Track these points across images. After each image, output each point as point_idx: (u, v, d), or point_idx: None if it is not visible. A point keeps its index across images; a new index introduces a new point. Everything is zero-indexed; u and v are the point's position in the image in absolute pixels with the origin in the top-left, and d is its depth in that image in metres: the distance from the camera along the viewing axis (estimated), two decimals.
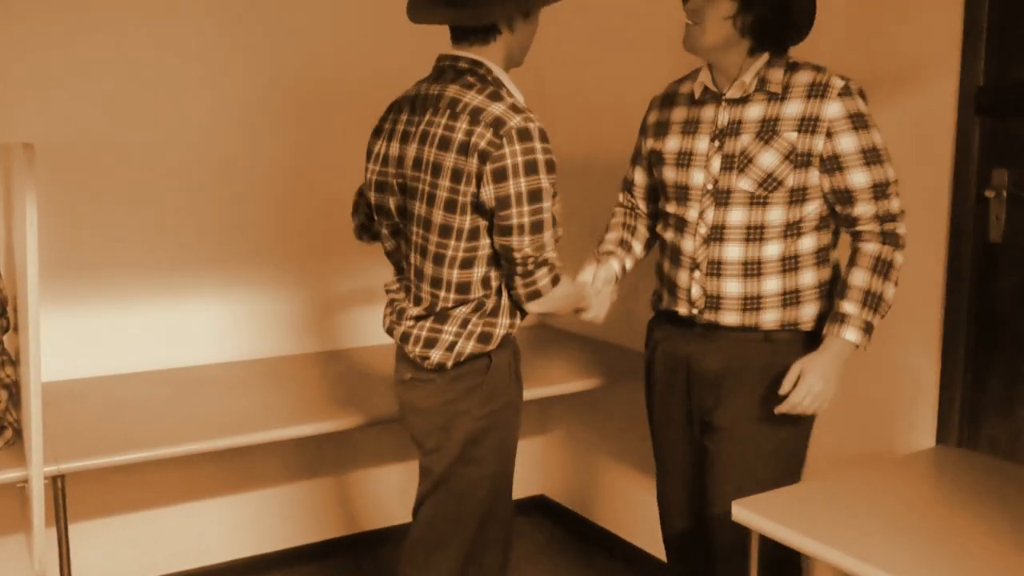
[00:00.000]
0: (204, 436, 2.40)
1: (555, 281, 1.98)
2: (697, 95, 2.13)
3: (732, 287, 2.09)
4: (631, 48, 3.18)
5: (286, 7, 3.09)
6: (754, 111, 2.04)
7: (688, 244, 2.13)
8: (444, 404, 2.05)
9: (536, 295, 1.97)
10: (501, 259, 1.97)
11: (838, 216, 2.07)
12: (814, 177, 2.02)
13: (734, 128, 2.06)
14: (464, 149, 1.87)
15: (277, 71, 3.09)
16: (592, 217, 3.41)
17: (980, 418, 2.25)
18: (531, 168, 1.85)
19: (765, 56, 2.04)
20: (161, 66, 2.91)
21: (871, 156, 1.99)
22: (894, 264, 2.02)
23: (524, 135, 1.84)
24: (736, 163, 2.05)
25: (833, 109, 1.98)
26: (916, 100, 2.26)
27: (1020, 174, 2.14)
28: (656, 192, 2.29)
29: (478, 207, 1.90)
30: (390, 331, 2.15)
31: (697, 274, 2.12)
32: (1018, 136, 2.13)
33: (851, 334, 1.99)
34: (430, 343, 2.02)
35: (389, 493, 3.42)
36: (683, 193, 2.15)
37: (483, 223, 1.93)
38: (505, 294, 2.03)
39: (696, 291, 2.13)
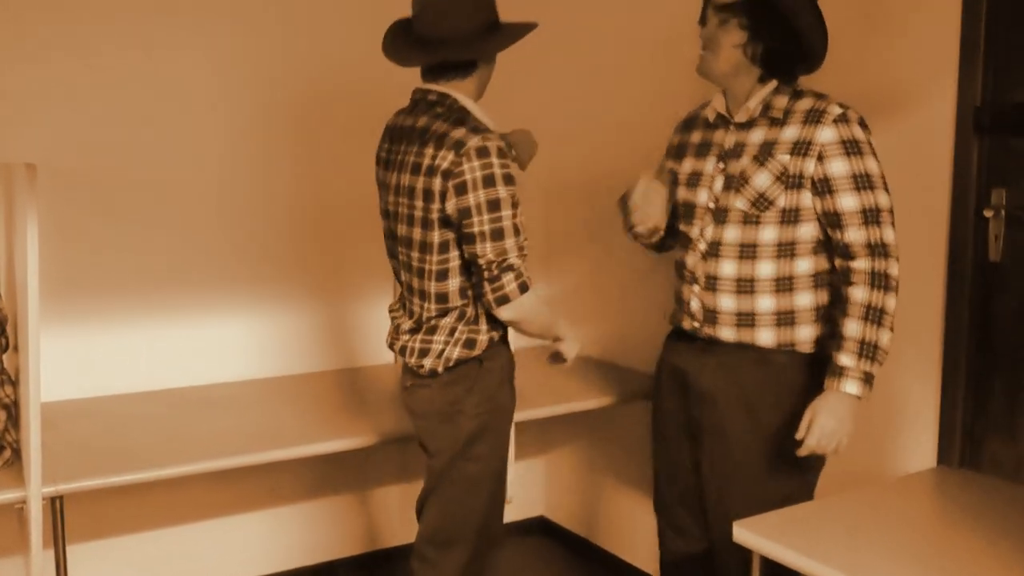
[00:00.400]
0: (204, 456, 2.40)
1: (523, 288, 2.08)
2: (711, 119, 2.21)
3: (727, 302, 2.14)
4: (637, 72, 3.20)
5: (300, 23, 3.10)
6: (756, 135, 2.11)
7: (690, 259, 2.21)
8: (443, 406, 2.19)
9: (504, 300, 2.07)
10: (472, 268, 2.11)
11: (833, 244, 2.08)
12: (807, 199, 2.05)
13: (738, 151, 2.13)
14: (431, 171, 2.07)
15: (288, 87, 3.10)
16: (592, 231, 3.42)
17: (982, 438, 2.24)
18: (489, 181, 2.02)
19: (773, 83, 2.11)
20: (164, 84, 2.92)
21: (862, 181, 2.01)
22: (886, 309, 2.01)
23: (482, 152, 2.02)
24: (735, 183, 2.10)
25: (826, 134, 2.02)
26: (914, 120, 2.27)
27: (1018, 193, 2.15)
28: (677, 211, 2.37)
29: (445, 221, 2.09)
30: (391, 346, 2.34)
31: (696, 288, 2.19)
32: (1016, 155, 2.14)
33: (850, 386, 2.00)
34: (423, 353, 2.18)
35: (399, 511, 3.39)
36: (690, 211, 2.23)
37: (451, 236, 2.10)
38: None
39: (695, 304, 2.19)
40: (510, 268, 2.05)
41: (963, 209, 2.21)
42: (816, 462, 2.17)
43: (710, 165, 2.18)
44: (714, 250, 2.15)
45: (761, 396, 2.12)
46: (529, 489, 3.64)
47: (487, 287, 2.07)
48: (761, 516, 1.95)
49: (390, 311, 2.37)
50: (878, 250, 2.01)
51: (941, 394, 2.27)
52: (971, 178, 2.19)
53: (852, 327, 2.01)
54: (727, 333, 2.15)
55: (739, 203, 2.10)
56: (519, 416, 2.68)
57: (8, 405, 2.31)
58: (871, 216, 2.01)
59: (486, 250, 2.04)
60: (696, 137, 2.26)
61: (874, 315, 2.00)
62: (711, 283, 2.16)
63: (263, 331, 3.16)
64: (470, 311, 2.16)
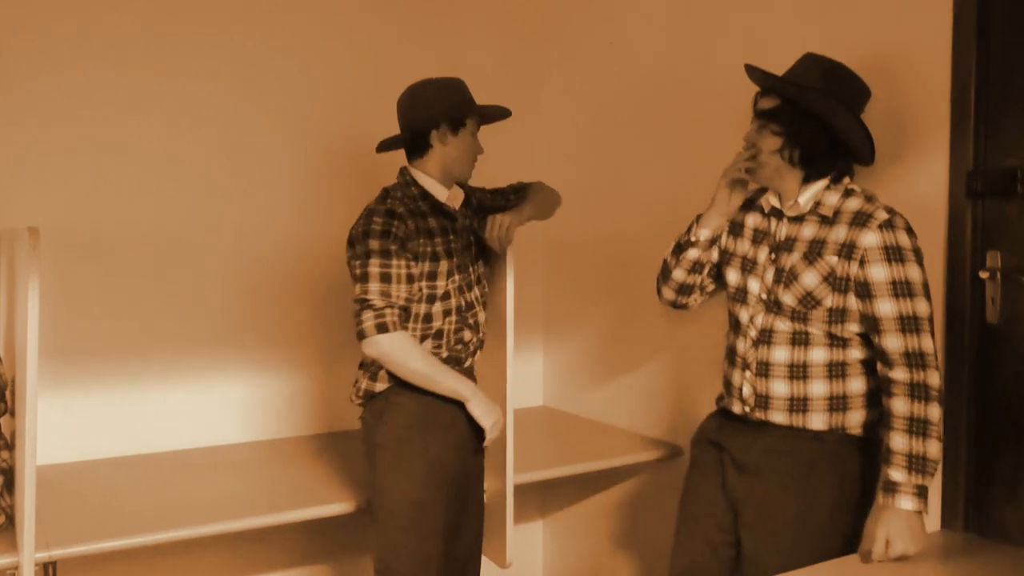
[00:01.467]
0: (200, 521, 2.38)
1: (380, 328, 2.29)
2: (766, 209, 2.24)
3: (779, 388, 2.16)
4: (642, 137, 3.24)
5: (309, 90, 3.16)
6: (807, 231, 2.14)
7: (740, 345, 2.24)
8: (365, 433, 2.45)
9: (361, 335, 2.32)
10: None
11: (874, 347, 2.09)
12: (852, 301, 2.08)
13: (789, 244, 2.16)
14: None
15: (294, 154, 3.14)
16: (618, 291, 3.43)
17: (986, 501, 2.22)
18: (364, 235, 2.32)
19: (825, 181, 2.14)
20: (165, 149, 2.96)
21: (901, 288, 2.02)
22: (930, 419, 2.00)
23: (366, 213, 2.37)
24: (784, 278, 2.14)
25: (870, 239, 2.04)
26: (908, 184, 2.29)
27: (1013, 255, 2.16)
28: (715, 269, 2.38)
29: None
30: None
31: (748, 374, 2.21)
32: (1009, 218, 2.16)
33: (906, 503, 1.98)
34: (354, 385, 2.50)
35: None
36: (741, 296, 2.26)
37: None
38: None
39: (747, 390, 2.22)
40: (370, 307, 2.30)
41: (959, 272, 2.22)
42: (848, 521, 2.17)
43: (763, 255, 2.22)
44: (765, 337, 2.18)
45: (811, 474, 2.13)
46: (528, 552, 3.59)
47: (354, 322, 2.33)
48: None
49: None
50: (915, 359, 2.02)
51: (944, 457, 2.25)
52: (966, 241, 2.21)
53: (898, 441, 2.00)
54: (779, 417, 2.17)
55: (787, 298, 2.14)
56: (519, 479, 2.67)
57: (5, 470, 2.29)
58: (909, 324, 2.02)
59: (355, 290, 2.34)
60: (752, 221, 2.28)
61: (919, 427, 2.00)
62: (763, 369, 2.18)
63: (259, 394, 3.15)
64: None
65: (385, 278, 2.30)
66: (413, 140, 2.44)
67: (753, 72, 2.17)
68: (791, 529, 2.13)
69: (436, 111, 2.39)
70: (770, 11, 2.67)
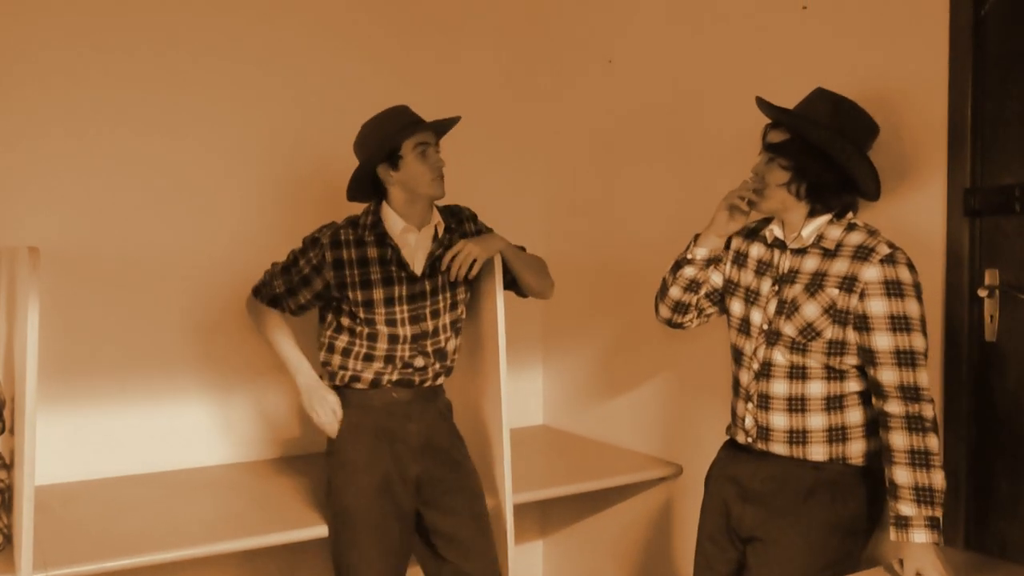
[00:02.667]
0: (199, 541, 2.37)
1: (255, 291, 2.60)
2: (769, 240, 2.26)
3: (779, 420, 2.18)
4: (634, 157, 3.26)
5: (300, 115, 3.17)
6: (810, 263, 2.15)
7: (744, 376, 2.26)
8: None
9: (252, 290, 2.62)
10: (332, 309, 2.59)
11: (868, 380, 2.10)
12: (851, 334, 2.09)
13: (792, 276, 2.18)
14: None
15: (295, 174, 3.15)
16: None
17: (987, 519, 2.21)
18: (295, 249, 2.58)
19: (829, 215, 2.16)
20: (168, 171, 2.98)
21: (899, 323, 2.03)
22: (931, 450, 2.01)
23: (317, 230, 2.55)
24: (786, 309, 2.16)
25: (871, 273, 2.05)
26: (906, 203, 2.30)
27: (1011, 273, 2.17)
28: (716, 294, 2.39)
29: None
30: None
31: (750, 405, 2.23)
32: (1007, 236, 2.17)
33: (919, 536, 1.98)
34: None
35: None
36: (745, 327, 2.27)
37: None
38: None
39: (749, 421, 2.24)
40: (264, 273, 2.60)
41: (957, 290, 2.23)
42: (856, 545, 2.19)
43: (766, 286, 2.23)
44: (766, 370, 2.19)
45: (811, 501, 2.14)
46: (528, 571, 3.58)
47: None
48: None
49: None
50: (910, 393, 2.02)
51: (944, 475, 2.25)
52: (964, 259, 2.22)
53: (903, 475, 2.00)
54: (780, 448, 2.18)
55: (788, 329, 2.15)
56: (517, 499, 2.66)
57: (2, 490, 2.28)
58: (905, 358, 2.03)
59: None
60: (756, 252, 2.29)
61: (920, 459, 2.00)
62: (764, 401, 2.20)
63: (259, 414, 3.15)
64: (330, 346, 2.57)
65: (284, 270, 2.55)
66: (371, 183, 2.52)
67: (764, 105, 2.19)
68: (794, 556, 2.14)
69: (371, 151, 2.45)
70: (768, 32, 2.69)
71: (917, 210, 2.29)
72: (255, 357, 3.11)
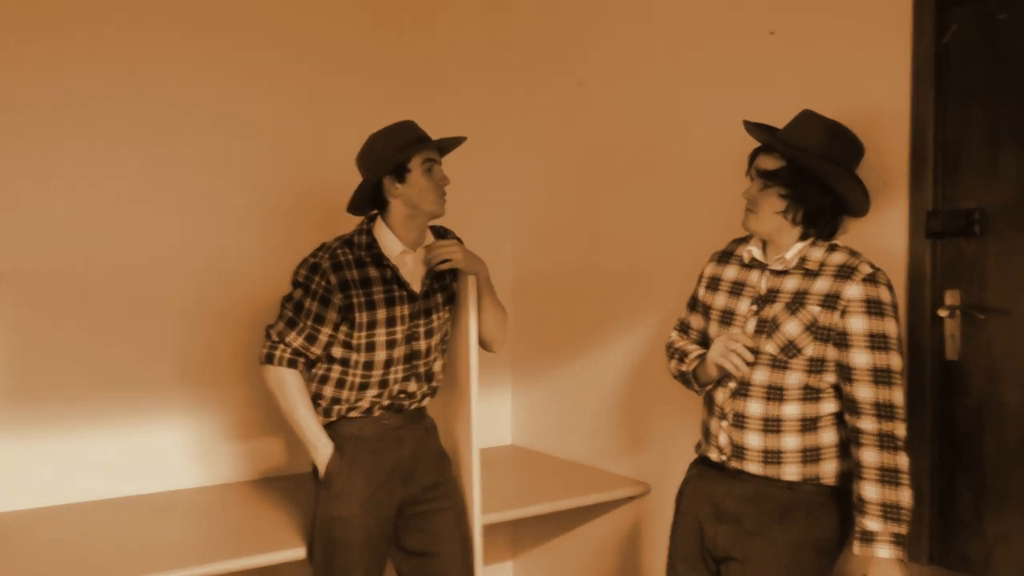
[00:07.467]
0: (158, 567, 2.32)
1: (268, 358, 2.44)
2: (746, 260, 2.28)
3: (753, 440, 2.20)
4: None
5: (262, 147, 3.13)
6: (791, 283, 2.19)
7: (719, 395, 2.27)
8: None
9: (260, 359, 2.47)
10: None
11: (843, 396, 2.13)
12: (831, 351, 2.12)
13: (772, 296, 2.20)
14: None
15: (246, 197, 3.13)
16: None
17: (950, 535, 2.25)
18: (293, 282, 2.48)
19: (811, 238, 2.20)
20: (130, 187, 2.94)
21: (878, 342, 2.08)
22: (900, 468, 2.05)
23: (303, 260, 2.49)
24: (767, 328, 2.18)
25: (853, 291, 2.09)
26: (871, 225, 2.35)
27: (971, 294, 2.22)
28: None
29: None
30: None
31: (725, 424, 2.25)
32: (967, 257, 2.23)
33: (883, 551, 2.02)
34: None
35: None
36: None
37: None
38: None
39: (723, 439, 2.25)
40: (268, 337, 2.46)
41: (919, 310, 2.28)
42: (830, 559, 2.22)
43: (744, 306, 2.25)
44: (743, 390, 2.21)
45: (784, 520, 2.17)
46: None
47: None
48: None
49: None
50: (885, 411, 2.06)
51: None
52: (926, 280, 2.27)
53: (871, 491, 2.04)
54: (754, 468, 2.20)
55: (769, 347, 2.17)
56: (486, 519, 2.66)
57: None
58: (881, 376, 2.07)
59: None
60: (731, 274, 2.32)
61: (890, 477, 2.04)
62: (739, 421, 2.21)
63: (217, 437, 3.10)
64: (323, 378, 2.50)
65: (291, 324, 2.44)
66: (372, 195, 2.48)
67: (755, 130, 2.22)
68: (766, 575, 2.16)
69: (378, 164, 2.43)
70: (737, 57, 2.74)
71: (881, 232, 2.34)
72: (229, 374, 3.08)
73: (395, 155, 2.41)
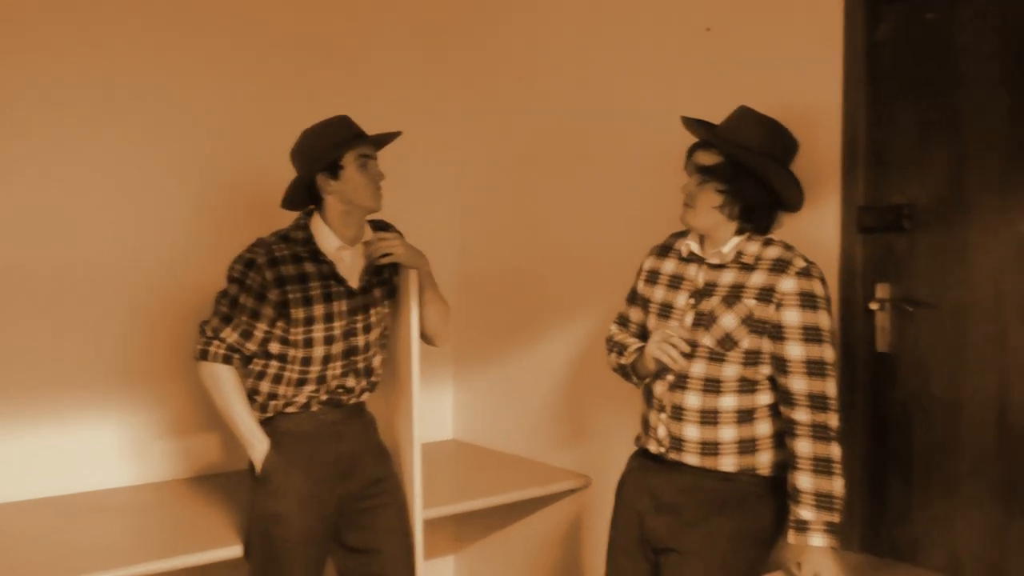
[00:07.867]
0: (94, 568, 2.27)
1: (202, 355, 2.42)
2: (684, 254, 2.30)
3: (691, 432, 2.22)
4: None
5: (202, 143, 3.08)
6: (727, 277, 2.21)
7: (658, 388, 2.28)
8: None
9: (194, 355, 2.45)
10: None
11: (778, 388, 2.17)
12: (767, 344, 2.16)
13: (709, 290, 2.22)
14: None
15: (182, 192, 3.07)
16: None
17: (879, 523, 2.31)
18: (228, 277, 2.45)
19: (747, 233, 2.22)
20: (59, 188, 2.87)
21: (811, 334, 2.11)
22: (833, 458, 2.09)
23: (238, 255, 2.45)
24: (704, 321, 2.20)
25: (788, 284, 2.12)
26: (804, 219, 2.39)
27: (902, 287, 2.28)
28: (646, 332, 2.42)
29: None
30: None
31: (663, 416, 2.26)
32: (898, 252, 2.29)
33: (817, 540, 2.06)
34: None
35: None
36: None
37: None
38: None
39: (662, 431, 2.27)
40: (202, 333, 2.43)
41: (851, 303, 2.33)
42: (766, 552, 2.26)
43: (682, 299, 2.27)
44: (681, 382, 2.23)
45: (722, 511, 2.20)
46: None
47: None
48: None
49: None
50: (818, 402, 2.10)
51: None
52: (857, 273, 2.33)
53: (805, 481, 2.08)
54: (692, 459, 2.23)
55: (706, 340, 2.19)
56: (428, 514, 2.65)
57: None
58: (815, 368, 2.11)
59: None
60: (669, 267, 2.33)
61: (823, 466, 2.08)
62: (677, 413, 2.23)
63: (152, 434, 3.04)
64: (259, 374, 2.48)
65: (225, 319, 2.41)
66: (308, 191, 2.46)
67: (694, 126, 2.23)
68: (708, 567, 2.19)
69: (311, 161, 2.40)
70: (675, 52, 2.77)
71: (813, 226, 2.39)
72: (165, 371, 3.02)
73: (328, 152, 2.39)
